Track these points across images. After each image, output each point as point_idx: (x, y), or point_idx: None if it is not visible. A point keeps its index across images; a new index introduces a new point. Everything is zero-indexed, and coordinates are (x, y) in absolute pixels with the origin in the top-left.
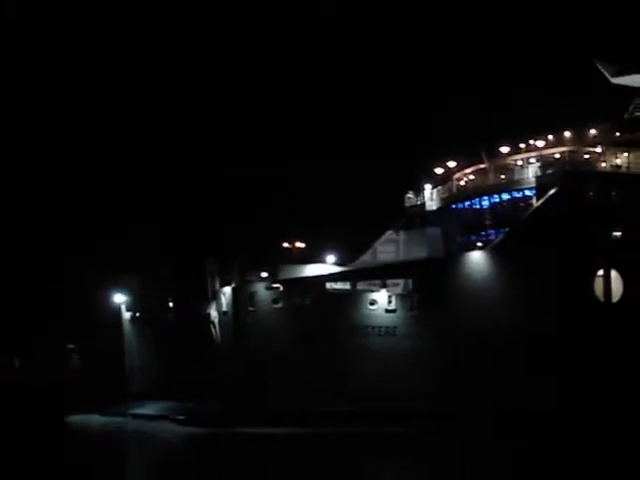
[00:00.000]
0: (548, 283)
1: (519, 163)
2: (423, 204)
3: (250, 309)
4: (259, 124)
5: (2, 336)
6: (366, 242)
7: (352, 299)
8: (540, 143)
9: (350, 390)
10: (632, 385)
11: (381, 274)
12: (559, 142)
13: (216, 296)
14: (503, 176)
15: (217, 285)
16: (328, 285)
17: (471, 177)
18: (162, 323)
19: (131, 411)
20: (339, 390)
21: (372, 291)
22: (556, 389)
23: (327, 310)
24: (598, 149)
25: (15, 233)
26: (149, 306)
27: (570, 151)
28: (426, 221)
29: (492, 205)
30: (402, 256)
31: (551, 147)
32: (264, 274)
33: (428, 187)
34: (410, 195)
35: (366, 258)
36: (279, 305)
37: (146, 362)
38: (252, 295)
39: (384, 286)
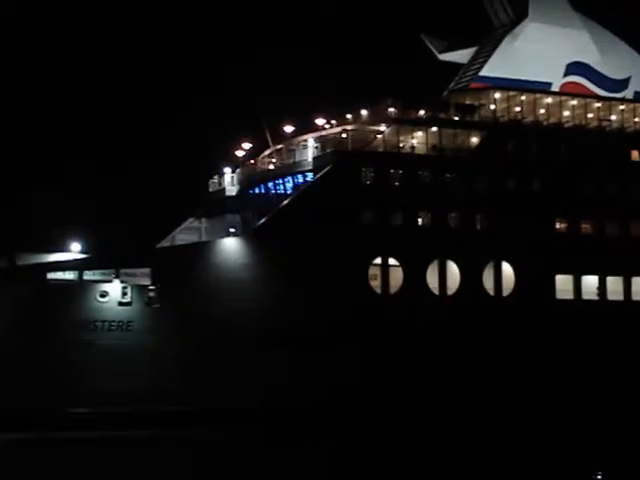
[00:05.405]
0: (313, 273)
1: (308, 144)
2: (224, 189)
3: None
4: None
5: None
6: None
7: (79, 291)
8: (321, 122)
9: (75, 390)
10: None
11: (114, 263)
12: (351, 121)
13: None
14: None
15: None
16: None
17: (272, 160)
18: None
19: None
20: (62, 391)
21: (104, 282)
22: (318, 386)
23: (49, 303)
24: (382, 128)
25: None
26: None
27: (353, 130)
28: (226, 207)
29: (277, 190)
30: None
31: (336, 126)
32: None
33: (228, 171)
34: (215, 180)
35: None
36: None
37: None
38: None
39: (117, 276)
